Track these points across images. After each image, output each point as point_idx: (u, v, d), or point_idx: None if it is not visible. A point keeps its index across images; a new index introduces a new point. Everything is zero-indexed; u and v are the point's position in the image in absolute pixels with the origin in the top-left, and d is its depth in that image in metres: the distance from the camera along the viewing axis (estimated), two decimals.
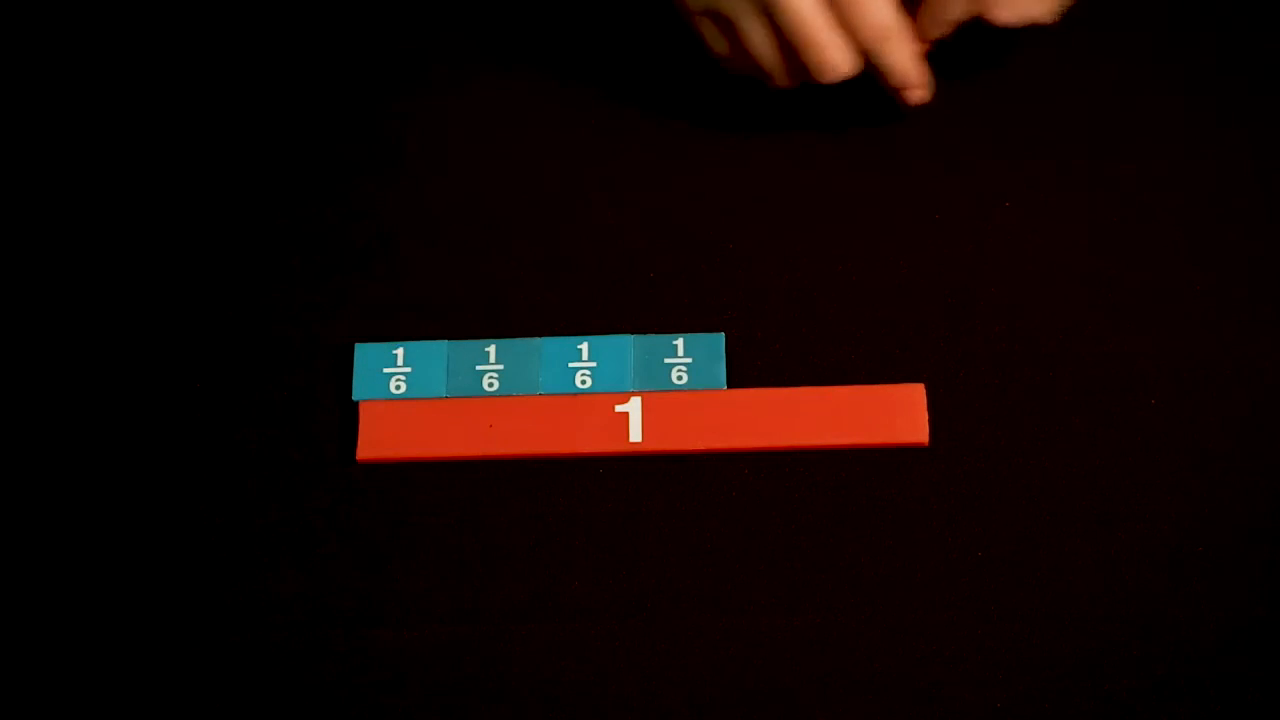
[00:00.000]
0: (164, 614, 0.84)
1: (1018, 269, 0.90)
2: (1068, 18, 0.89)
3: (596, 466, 0.86)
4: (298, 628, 0.84)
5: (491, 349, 0.88)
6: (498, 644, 0.83)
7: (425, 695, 0.83)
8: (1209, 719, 0.81)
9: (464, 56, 0.96)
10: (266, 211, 0.92)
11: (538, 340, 0.88)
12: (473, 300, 0.90)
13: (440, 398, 0.88)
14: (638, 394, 0.87)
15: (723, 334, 0.88)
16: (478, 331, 0.89)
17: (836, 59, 0.87)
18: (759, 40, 0.88)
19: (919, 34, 0.89)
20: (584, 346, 0.88)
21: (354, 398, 0.88)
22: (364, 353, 0.88)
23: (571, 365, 0.88)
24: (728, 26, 0.88)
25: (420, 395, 0.88)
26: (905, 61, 0.88)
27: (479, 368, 0.88)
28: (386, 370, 0.88)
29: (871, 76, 0.88)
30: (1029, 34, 0.91)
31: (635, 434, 0.87)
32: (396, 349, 0.88)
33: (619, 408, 0.87)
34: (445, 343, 0.89)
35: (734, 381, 0.88)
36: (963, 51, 0.92)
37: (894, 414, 0.87)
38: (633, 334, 0.89)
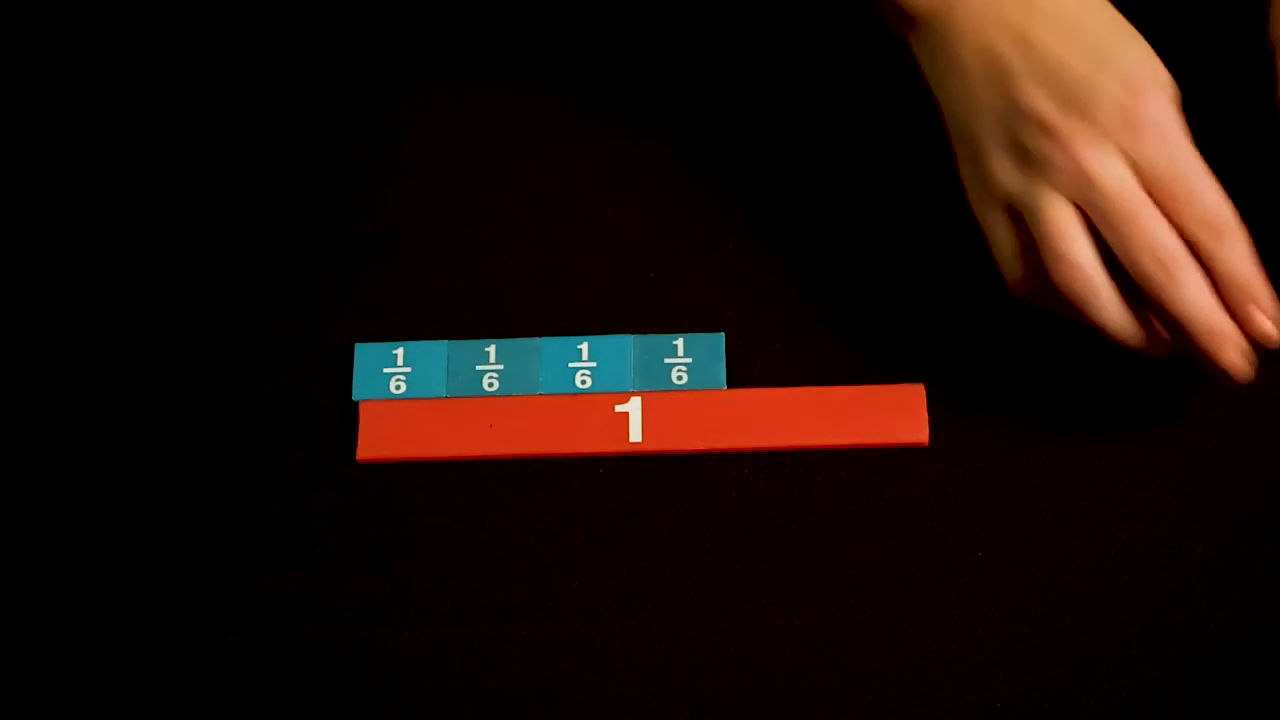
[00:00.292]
0: (164, 614, 0.84)
1: None
2: None
3: (596, 466, 0.86)
4: (298, 628, 0.84)
5: (491, 349, 0.88)
6: (498, 644, 0.83)
7: (425, 695, 0.83)
8: (1209, 719, 0.81)
9: (464, 57, 0.96)
10: (266, 211, 0.92)
11: (538, 340, 0.88)
12: (473, 300, 0.90)
13: (440, 398, 0.87)
14: (638, 394, 0.87)
15: (723, 334, 0.88)
16: (478, 331, 0.89)
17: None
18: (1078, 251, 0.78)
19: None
20: (584, 346, 0.88)
21: (354, 398, 0.88)
22: (364, 353, 0.88)
23: (571, 365, 0.88)
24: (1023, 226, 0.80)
25: (420, 395, 0.87)
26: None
27: (479, 368, 0.88)
28: (386, 370, 0.88)
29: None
30: None
31: (635, 434, 0.87)
32: (396, 349, 0.88)
33: (619, 408, 0.87)
34: (445, 343, 0.89)
35: (734, 381, 0.88)
36: None
37: (894, 414, 0.87)
38: (633, 334, 0.89)
